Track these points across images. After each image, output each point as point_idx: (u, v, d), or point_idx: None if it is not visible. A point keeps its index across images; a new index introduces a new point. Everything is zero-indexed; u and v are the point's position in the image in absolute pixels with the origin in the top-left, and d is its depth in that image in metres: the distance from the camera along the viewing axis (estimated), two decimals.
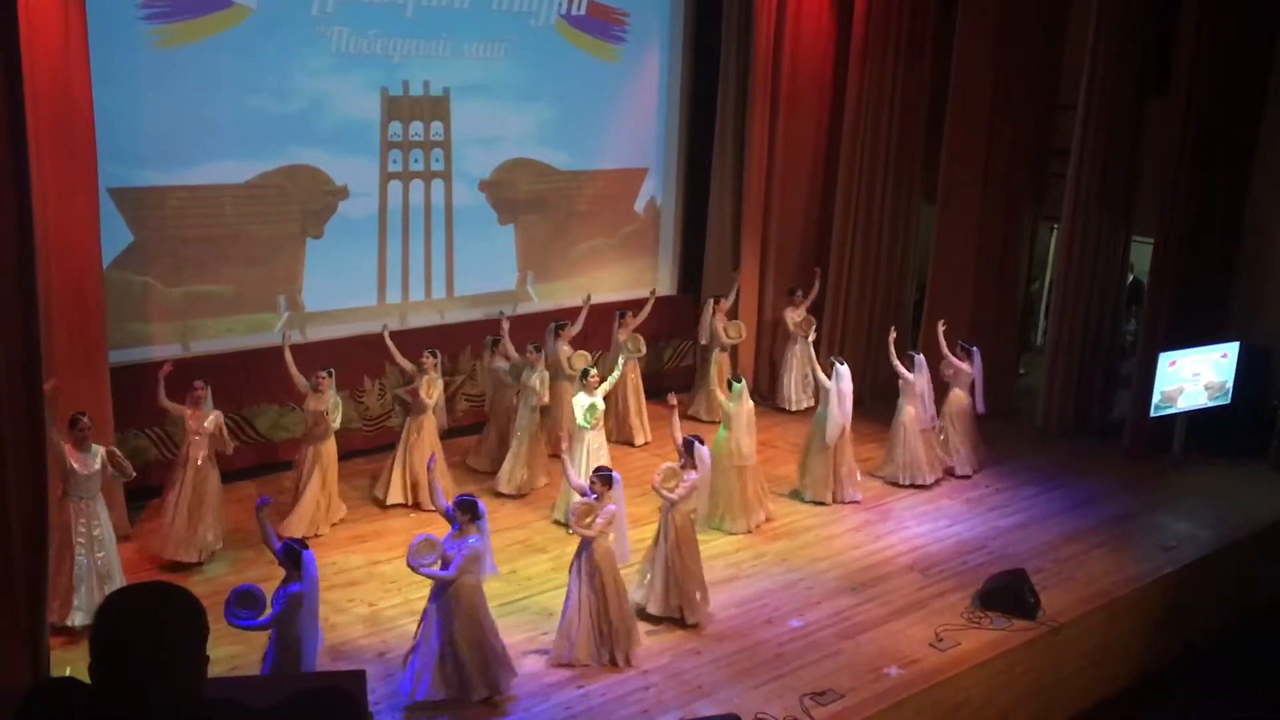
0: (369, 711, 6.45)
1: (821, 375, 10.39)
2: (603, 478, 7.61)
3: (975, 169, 12.20)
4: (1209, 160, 11.32)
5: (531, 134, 11.97)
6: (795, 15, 12.36)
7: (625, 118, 12.74)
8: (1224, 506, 10.59)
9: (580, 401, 9.68)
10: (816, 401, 11.03)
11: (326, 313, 10.88)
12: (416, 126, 11.13)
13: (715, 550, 9.29)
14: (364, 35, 10.56)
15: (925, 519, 10.14)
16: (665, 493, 8.03)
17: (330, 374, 9.27)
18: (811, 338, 11.89)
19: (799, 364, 12.60)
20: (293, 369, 9.37)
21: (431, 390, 9.83)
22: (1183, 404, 11.43)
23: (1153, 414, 11.37)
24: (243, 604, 6.50)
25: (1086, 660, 8.58)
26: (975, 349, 11.06)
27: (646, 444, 11.67)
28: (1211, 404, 11.53)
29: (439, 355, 10.08)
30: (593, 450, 9.64)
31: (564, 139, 12.19)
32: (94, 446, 7.76)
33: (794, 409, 12.69)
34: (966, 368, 10.98)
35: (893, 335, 10.95)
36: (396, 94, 10.92)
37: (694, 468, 8.16)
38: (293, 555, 6.57)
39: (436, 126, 11.26)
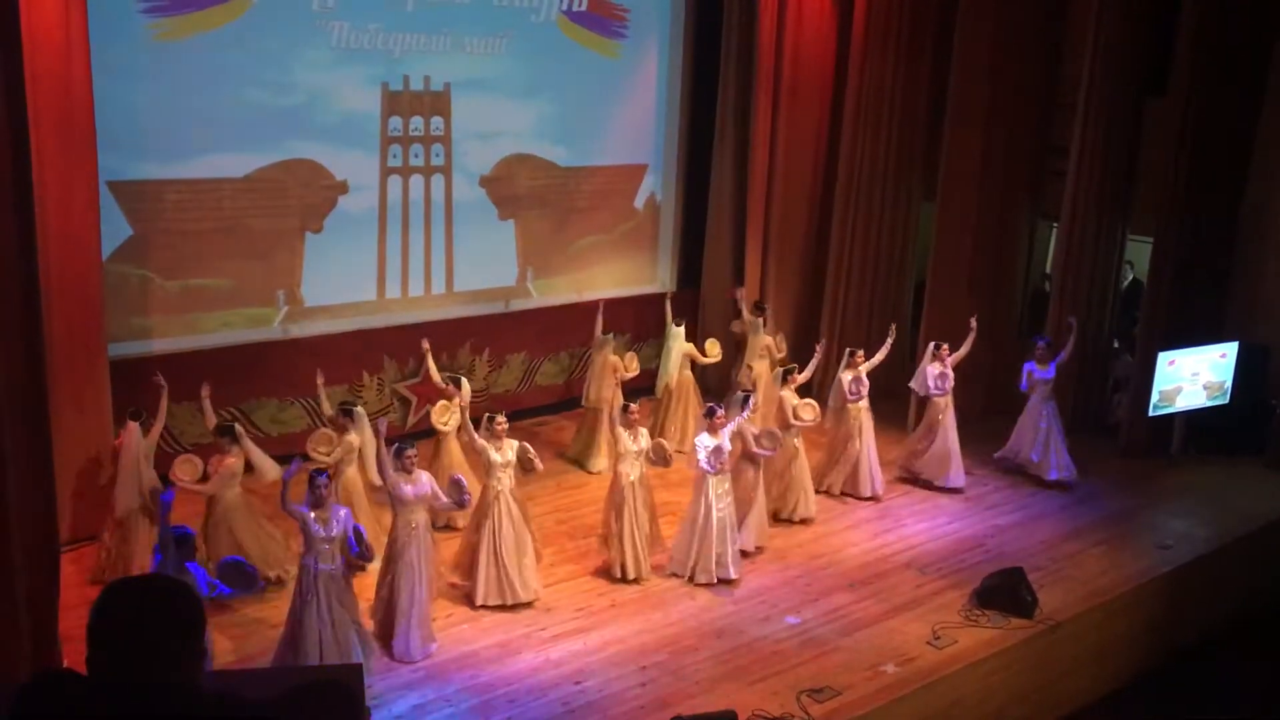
0: (366, 706, 6.47)
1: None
2: (345, 410, 8.41)
3: (974, 167, 12.18)
4: (1208, 160, 11.31)
5: (532, 129, 11.96)
6: (796, 12, 12.37)
7: (625, 114, 12.73)
8: (1221, 506, 10.60)
9: (704, 443, 8.56)
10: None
11: (326, 307, 10.87)
12: (416, 121, 11.12)
13: None
14: (364, 29, 10.54)
15: (923, 517, 10.15)
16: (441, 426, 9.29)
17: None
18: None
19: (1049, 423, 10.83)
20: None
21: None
22: (1181, 403, 11.43)
23: (1151, 413, 11.37)
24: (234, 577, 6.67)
25: (1083, 659, 8.59)
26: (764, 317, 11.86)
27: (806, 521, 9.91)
28: (1210, 403, 11.54)
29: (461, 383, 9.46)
30: (719, 496, 8.58)
31: (564, 135, 12.18)
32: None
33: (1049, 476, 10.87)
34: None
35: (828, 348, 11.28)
36: (397, 89, 10.90)
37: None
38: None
39: (437, 121, 11.25)
